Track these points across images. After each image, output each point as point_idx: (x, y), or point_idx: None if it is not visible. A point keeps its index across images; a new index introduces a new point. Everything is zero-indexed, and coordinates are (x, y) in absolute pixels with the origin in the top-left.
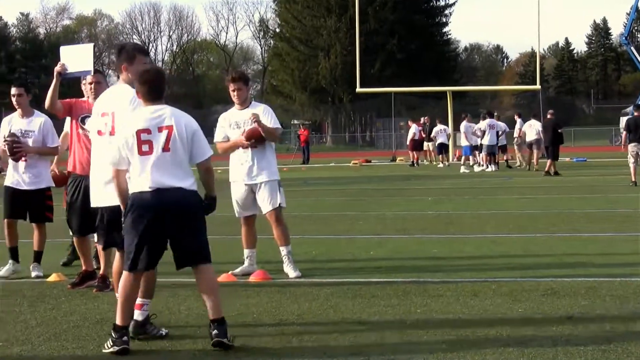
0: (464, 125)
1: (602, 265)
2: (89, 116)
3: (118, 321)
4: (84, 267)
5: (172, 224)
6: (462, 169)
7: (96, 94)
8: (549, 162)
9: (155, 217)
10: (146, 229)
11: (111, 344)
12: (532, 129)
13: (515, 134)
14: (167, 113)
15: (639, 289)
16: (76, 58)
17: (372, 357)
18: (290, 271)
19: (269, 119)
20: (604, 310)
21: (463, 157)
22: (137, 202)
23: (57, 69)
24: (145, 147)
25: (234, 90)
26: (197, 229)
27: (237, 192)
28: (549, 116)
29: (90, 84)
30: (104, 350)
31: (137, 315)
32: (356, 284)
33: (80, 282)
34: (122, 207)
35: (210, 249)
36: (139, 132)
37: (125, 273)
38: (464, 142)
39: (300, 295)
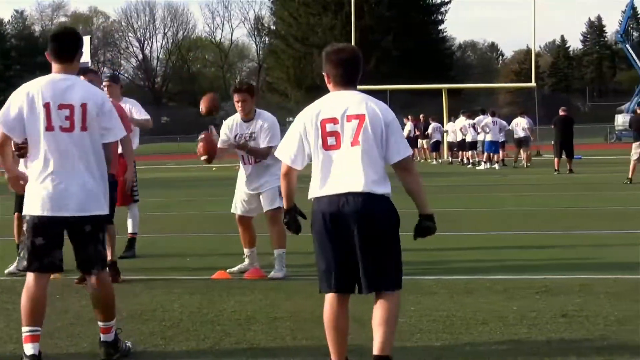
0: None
1: (596, 263)
2: None
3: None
4: None
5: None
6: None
7: (110, 97)
8: (568, 160)
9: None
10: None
11: None
12: (519, 127)
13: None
14: None
15: (633, 286)
16: None
17: (366, 355)
18: (276, 272)
19: (265, 137)
20: (598, 308)
21: (486, 154)
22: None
23: None
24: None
25: (238, 101)
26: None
27: (241, 194)
28: (562, 113)
29: (104, 87)
30: None
31: (107, 337)
32: None
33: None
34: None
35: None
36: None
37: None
38: (488, 138)
39: (294, 292)
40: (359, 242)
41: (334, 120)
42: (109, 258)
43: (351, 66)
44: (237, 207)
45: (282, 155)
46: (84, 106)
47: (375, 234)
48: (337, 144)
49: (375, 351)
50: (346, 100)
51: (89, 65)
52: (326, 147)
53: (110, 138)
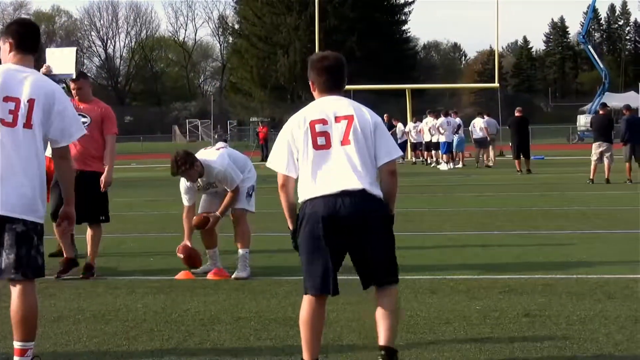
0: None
1: (559, 262)
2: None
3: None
4: (65, 255)
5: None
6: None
7: (80, 98)
8: (526, 160)
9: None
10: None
11: None
12: (475, 128)
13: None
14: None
15: (595, 286)
16: (60, 61)
17: (331, 354)
18: (239, 272)
19: (227, 183)
20: (560, 308)
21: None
22: None
23: (42, 70)
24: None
25: (185, 176)
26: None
27: (205, 196)
28: (517, 114)
29: (73, 89)
30: None
31: None
32: None
33: (65, 269)
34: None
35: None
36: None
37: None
38: (442, 139)
39: (258, 292)
40: (359, 243)
41: (323, 121)
42: (88, 260)
43: (335, 73)
44: (201, 207)
45: (276, 166)
46: (31, 102)
47: (374, 232)
48: (327, 144)
49: (383, 342)
50: (332, 104)
51: (73, 76)
52: (316, 147)
53: (64, 141)
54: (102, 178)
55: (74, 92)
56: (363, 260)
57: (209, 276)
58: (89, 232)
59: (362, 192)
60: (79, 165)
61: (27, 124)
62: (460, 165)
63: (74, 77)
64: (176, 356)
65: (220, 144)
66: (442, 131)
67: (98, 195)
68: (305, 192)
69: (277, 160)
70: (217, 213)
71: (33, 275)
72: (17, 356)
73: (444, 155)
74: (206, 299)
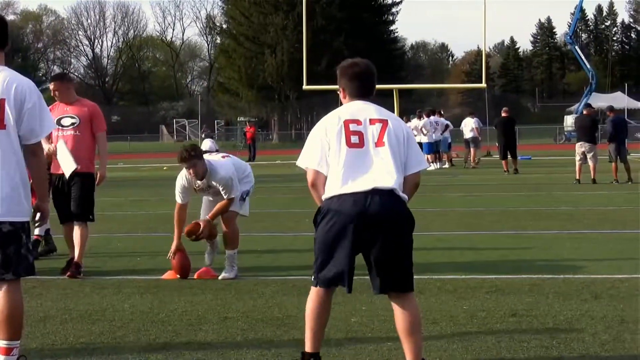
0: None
1: (545, 262)
2: (64, 117)
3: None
4: (71, 255)
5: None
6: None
7: (61, 99)
8: (513, 160)
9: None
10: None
11: None
12: (467, 127)
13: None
14: None
15: (581, 286)
16: (66, 160)
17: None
18: (226, 273)
19: (224, 192)
20: (547, 308)
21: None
22: None
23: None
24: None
25: (189, 168)
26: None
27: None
28: (504, 114)
29: (53, 91)
30: None
31: None
32: (302, 281)
33: (77, 269)
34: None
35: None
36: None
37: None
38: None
39: (245, 292)
40: (383, 242)
41: (357, 122)
42: (76, 258)
43: (365, 79)
44: (202, 212)
45: (307, 162)
46: (1, 102)
47: (400, 234)
48: (361, 143)
49: (410, 359)
50: (365, 108)
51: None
52: (350, 144)
53: (33, 138)
54: (98, 173)
55: (53, 94)
56: (383, 261)
57: (196, 276)
58: (76, 231)
59: (392, 192)
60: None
61: (1, 125)
62: (447, 166)
63: (72, 168)
64: (163, 356)
65: (221, 154)
66: (425, 132)
67: (88, 194)
68: (333, 188)
69: (309, 157)
70: (208, 217)
71: (25, 274)
72: (3, 355)
73: (428, 156)
74: (193, 299)
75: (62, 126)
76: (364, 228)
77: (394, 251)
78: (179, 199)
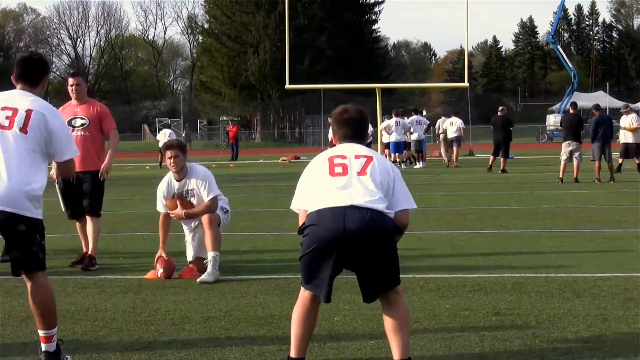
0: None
1: (528, 261)
2: (74, 118)
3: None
4: (85, 249)
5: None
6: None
7: (77, 95)
8: (502, 160)
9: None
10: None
11: None
12: (453, 126)
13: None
14: None
15: (563, 285)
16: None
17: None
18: (207, 276)
19: (205, 190)
20: (529, 306)
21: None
22: None
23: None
24: None
25: (170, 157)
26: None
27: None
28: (499, 113)
29: (72, 85)
30: None
31: (48, 347)
32: (285, 280)
33: (90, 261)
34: None
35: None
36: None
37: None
38: (392, 139)
39: (228, 292)
40: (365, 257)
41: (342, 157)
42: (90, 252)
43: (354, 124)
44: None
45: (298, 204)
46: (28, 112)
47: (382, 245)
48: (344, 172)
49: (397, 356)
50: (352, 147)
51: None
52: (332, 174)
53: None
54: (103, 166)
55: (72, 88)
56: (368, 275)
57: (179, 275)
58: (89, 225)
59: (371, 209)
60: (81, 167)
61: (23, 130)
62: (422, 165)
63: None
64: (146, 355)
65: None
66: (390, 131)
67: (98, 191)
68: (315, 204)
69: (299, 199)
70: (184, 211)
71: (38, 269)
72: (44, 343)
73: (394, 155)
74: (176, 298)
75: (73, 127)
76: (344, 244)
77: (378, 264)
78: (161, 209)
